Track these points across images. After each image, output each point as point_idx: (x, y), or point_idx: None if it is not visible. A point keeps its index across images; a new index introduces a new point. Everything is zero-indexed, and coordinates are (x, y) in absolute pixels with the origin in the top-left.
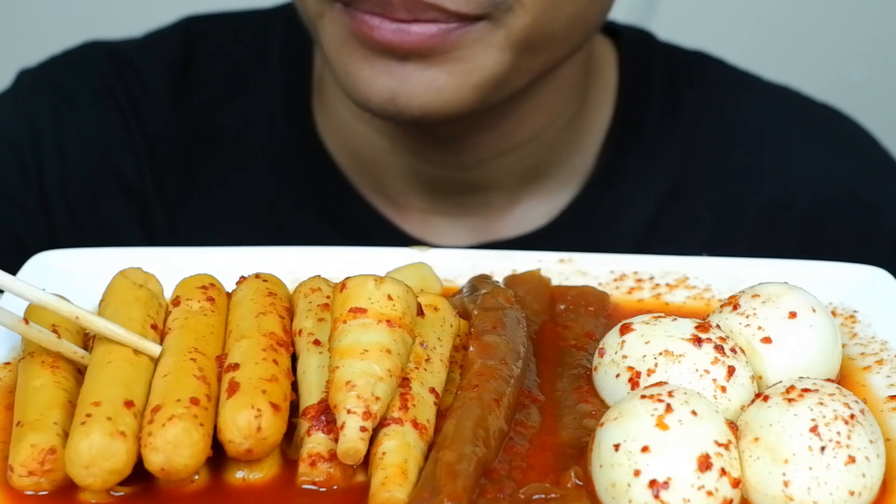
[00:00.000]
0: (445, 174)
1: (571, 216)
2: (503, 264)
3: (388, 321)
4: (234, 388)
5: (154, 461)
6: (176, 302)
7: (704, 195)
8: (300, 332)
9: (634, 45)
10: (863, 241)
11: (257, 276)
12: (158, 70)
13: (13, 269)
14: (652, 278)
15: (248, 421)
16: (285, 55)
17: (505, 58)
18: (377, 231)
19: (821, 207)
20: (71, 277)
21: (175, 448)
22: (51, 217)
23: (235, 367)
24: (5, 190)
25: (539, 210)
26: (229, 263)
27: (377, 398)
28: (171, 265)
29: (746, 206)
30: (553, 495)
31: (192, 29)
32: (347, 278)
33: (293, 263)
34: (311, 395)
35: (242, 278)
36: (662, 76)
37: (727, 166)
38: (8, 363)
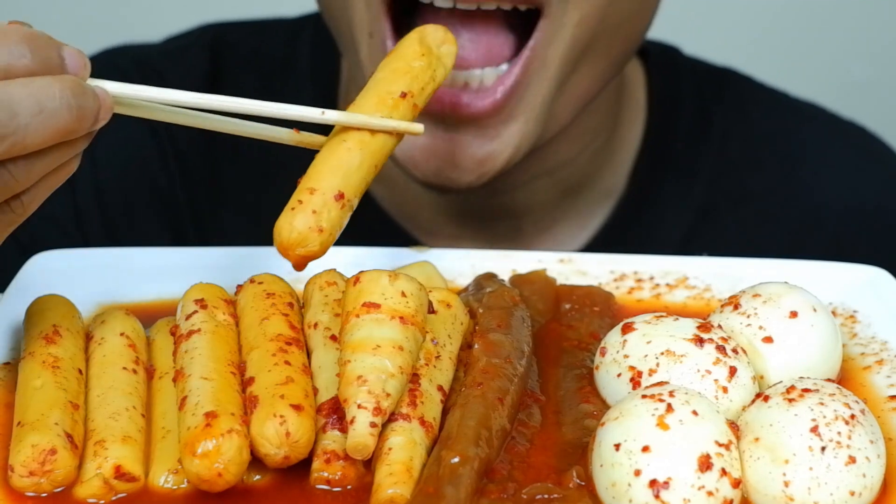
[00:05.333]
0: (476, 201)
1: (605, 239)
2: (503, 264)
3: (401, 318)
4: (253, 402)
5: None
6: (203, 304)
7: (735, 213)
8: (315, 325)
9: (662, 61)
10: (893, 258)
11: (252, 280)
12: (187, 81)
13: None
14: (652, 278)
15: (275, 430)
16: (314, 67)
17: (556, 81)
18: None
19: (850, 225)
20: (71, 277)
21: (226, 465)
22: (85, 230)
23: (251, 381)
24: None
25: (571, 234)
26: (228, 263)
27: (388, 394)
28: (171, 266)
29: (776, 224)
30: (555, 495)
31: (218, 37)
32: (361, 272)
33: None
34: (326, 392)
35: (239, 287)
36: (692, 94)
37: (757, 184)
38: (8, 363)
